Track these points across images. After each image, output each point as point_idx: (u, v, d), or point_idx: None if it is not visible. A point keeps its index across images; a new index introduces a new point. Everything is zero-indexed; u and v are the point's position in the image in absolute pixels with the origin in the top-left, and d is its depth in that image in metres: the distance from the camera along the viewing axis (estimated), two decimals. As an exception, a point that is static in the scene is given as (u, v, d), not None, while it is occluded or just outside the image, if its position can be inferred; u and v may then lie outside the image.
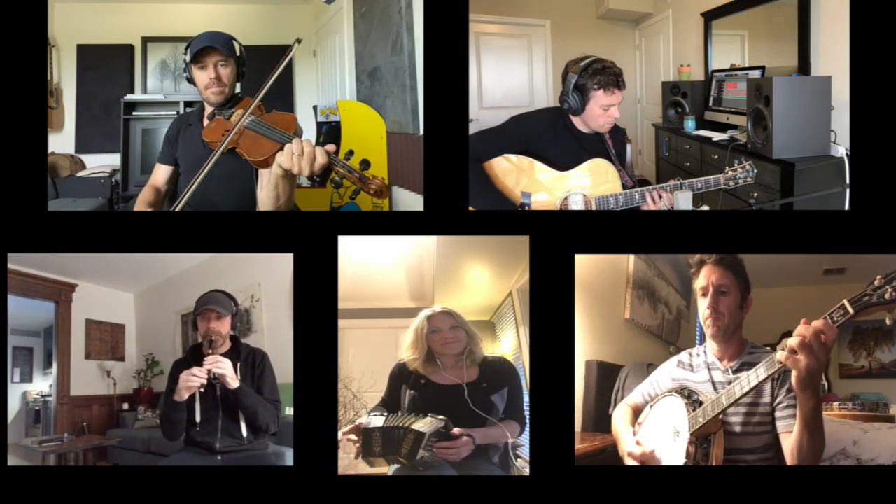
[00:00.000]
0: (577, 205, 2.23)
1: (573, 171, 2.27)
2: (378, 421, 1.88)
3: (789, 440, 1.59)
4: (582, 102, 2.22)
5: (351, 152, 1.99)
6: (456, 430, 1.86)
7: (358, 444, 1.89)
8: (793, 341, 1.49)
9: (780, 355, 1.52)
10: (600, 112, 2.23)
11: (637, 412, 1.88)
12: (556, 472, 1.95)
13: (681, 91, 3.68)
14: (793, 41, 2.70)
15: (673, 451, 1.67)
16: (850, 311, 1.47)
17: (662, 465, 1.69)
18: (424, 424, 1.84)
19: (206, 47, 2.20)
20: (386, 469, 1.94)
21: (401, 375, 2.06)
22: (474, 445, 1.87)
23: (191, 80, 2.28)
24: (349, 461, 2.03)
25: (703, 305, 1.77)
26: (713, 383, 1.75)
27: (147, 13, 4.65)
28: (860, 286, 1.49)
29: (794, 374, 1.50)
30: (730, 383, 1.66)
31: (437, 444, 1.83)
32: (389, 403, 2.06)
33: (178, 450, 2.15)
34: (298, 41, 2.17)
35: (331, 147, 1.92)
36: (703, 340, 1.84)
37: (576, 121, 2.32)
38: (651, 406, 1.81)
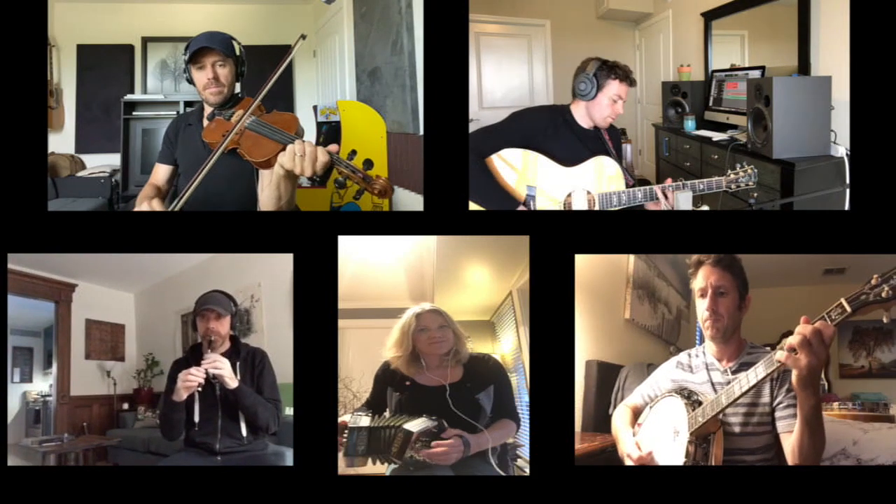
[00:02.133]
0: (580, 202, 2.23)
1: (577, 168, 2.28)
2: (364, 421, 1.86)
3: (790, 440, 1.59)
4: (596, 89, 2.30)
5: (354, 152, 1.97)
6: (449, 431, 1.84)
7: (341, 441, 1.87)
8: (792, 339, 1.49)
9: (780, 354, 1.52)
10: (608, 103, 2.32)
11: (637, 413, 1.88)
12: (556, 472, 1.94)
13: (681, 91, 3.68)
14: (793, 41, 2.70)
15: (673, 451, 1.67)
16: (848, 309, 1.48)
17: (662, 465, 1.69)
18: (415, 424, 1.82)
19: (203, 47, 2.19)
20: (384, 469, 1.94)
21: (385, 377, 2.04)
22: (464, 450, 1.84)
23: (190, 81, 2.28)
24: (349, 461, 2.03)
25: (701, 307, 1.77)
26: (712, 384, 1.75)
27: (147, 13, 4.66)
28: (860, 286, 1.49)
29: (794, 372, 1.50)
30: (729, 383, 1.66)
31: (425, 446, 1.81)
32: (374, 405, 2.03)
33: (177, 450, 2.15)
34: (303, 37, 2.15)
35: (333, 147, 1.91)
36: (702, 340, 1.84)
37: (577, 114, 2.36)
38: (651, 407, 1.82)
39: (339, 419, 1.94)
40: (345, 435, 1.86)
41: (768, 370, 1.56)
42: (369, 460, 1.87)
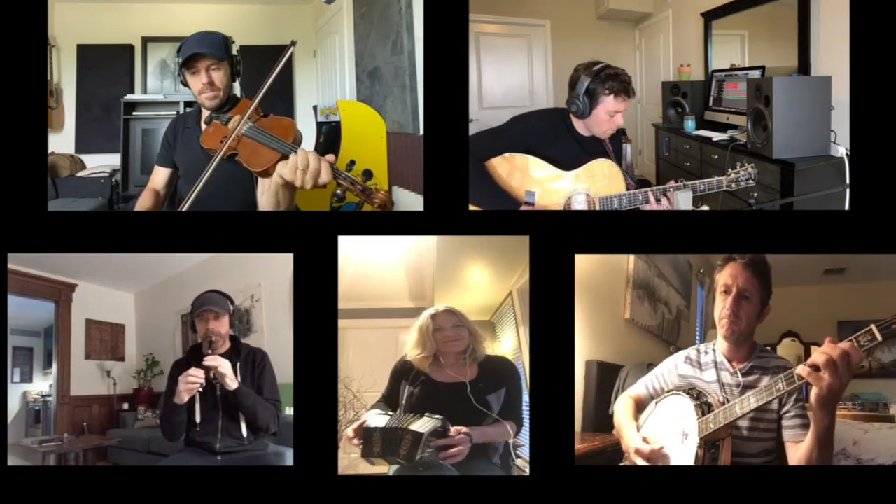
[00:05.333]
0: (580, 205, 2.23)
1: (577, 171, 2.27)
2: (380, 421, 1.88)
3: (797, 451, 1.59)
4: (590, 106, 2.23)
5: (353, 162, 1.95)
6: (453, 430, 1.86)
7: (359, 444, 1.88)
8: (818, 358, 1.47)
9: (802, 370, 1.49)
10: (606, 118, 2.25)
11: (640, 404, 1.86)
12: (556, 472, 1.94)
13: (681, 91, 3.68)
14: (793, 41, 2.70)
15: (681, 454, 1.66)
16: (879, 338, 1.45)
17: (668, 465, 1.68)
18: (421, 425, 1.83)
19: (194, 54, 2.17)
20: (386, 469, 1.94)
21: (402, 371, 2.08)
22: (471, 443, 1.87)
23: (185, 83, 2.25)
24: (349, 461, 2.03)
25: (721, 303, 1.74)
26: (721, 384, 1.73)
27: (147, 13, 4.65)
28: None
29: (814, 391, 1.48)
30: (738, 385, 1.65)
31: (436, 444, 1.83)
32: (390, 400, 2.08)
33: (178, 450, 2.15)
34: (293, 44, 2.12)
35: (330, 157, 1.86)
36: (703, 340, 1.83)
37: (577, 124, 2.33)
38: (657, 402, 1.80)
39: (360, 419, 1.94)
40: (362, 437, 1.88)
41: (790, 386, 1.53)
42: (384, 461, 1.89)
